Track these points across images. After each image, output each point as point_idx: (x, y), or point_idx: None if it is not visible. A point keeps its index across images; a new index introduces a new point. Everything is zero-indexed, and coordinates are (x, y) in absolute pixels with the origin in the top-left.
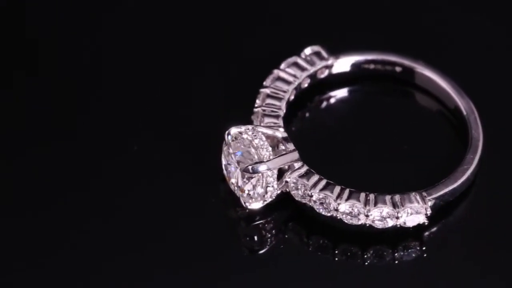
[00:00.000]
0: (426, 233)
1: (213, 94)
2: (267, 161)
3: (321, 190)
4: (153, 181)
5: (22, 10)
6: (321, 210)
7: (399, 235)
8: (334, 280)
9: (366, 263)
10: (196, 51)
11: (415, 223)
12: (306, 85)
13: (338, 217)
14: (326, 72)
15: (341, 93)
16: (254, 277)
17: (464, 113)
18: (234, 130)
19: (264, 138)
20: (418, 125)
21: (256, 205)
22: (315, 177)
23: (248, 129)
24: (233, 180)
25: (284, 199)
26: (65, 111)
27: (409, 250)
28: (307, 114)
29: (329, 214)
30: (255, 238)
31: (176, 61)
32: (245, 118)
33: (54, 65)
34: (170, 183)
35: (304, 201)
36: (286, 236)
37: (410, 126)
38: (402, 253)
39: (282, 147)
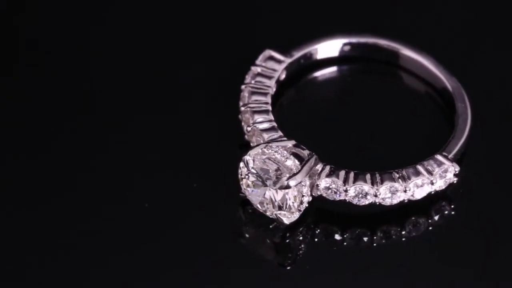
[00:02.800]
0: (450, 191)
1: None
2: (296, 174)
3: (355, 182)
4: (174, 205)
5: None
6: (359, 201)
7: (427, 202)
8: (382, 266)
9: (404, 239)
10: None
11: (447, 184)
12: (274, 89)
13: (377, 203)
14: (284, 74)
15: (322, 76)
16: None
17: (442, 78)
18: (249, 157)
19: (284, 151)
20: (403, 104)
21: (293, 217)
22: (343, 172)
23: (263, 147)
24: (261, 199)
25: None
26: (67, 110)
27: (442, 213)
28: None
29: (368, 203)
30: (298, 249)
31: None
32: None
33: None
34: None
35: (339, 199)
36: (316, 240)
37: (394, 106)
38: (436, 218)
39: (298, 154)
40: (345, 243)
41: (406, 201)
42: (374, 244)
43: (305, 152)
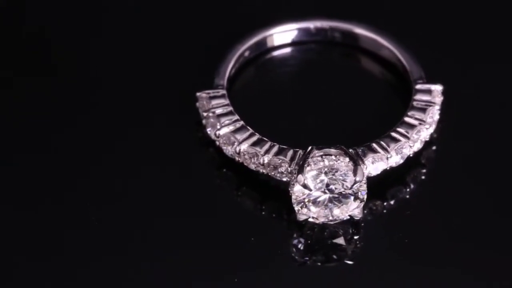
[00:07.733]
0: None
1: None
2: (356, 167)
3: (389, 146)
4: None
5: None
6: (400, 160)
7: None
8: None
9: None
10: None
11: (440, 104)
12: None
13: (411, 154)
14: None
15: (278, 59)
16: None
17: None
18: (306, 179)
19: (328, 156)
20: (358, 83)
21: (361, 208)
22: (375, 146)
23: (307, 166)
24: (330, 209)
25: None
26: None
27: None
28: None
29: (404, 159)
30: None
31: None
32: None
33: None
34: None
35: (379, 172)
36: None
37: (349, 84)
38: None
39: (329, 153)
40: (385, 211)
41: (428, 139)
42: (407, 190)
43: (332, 149)
